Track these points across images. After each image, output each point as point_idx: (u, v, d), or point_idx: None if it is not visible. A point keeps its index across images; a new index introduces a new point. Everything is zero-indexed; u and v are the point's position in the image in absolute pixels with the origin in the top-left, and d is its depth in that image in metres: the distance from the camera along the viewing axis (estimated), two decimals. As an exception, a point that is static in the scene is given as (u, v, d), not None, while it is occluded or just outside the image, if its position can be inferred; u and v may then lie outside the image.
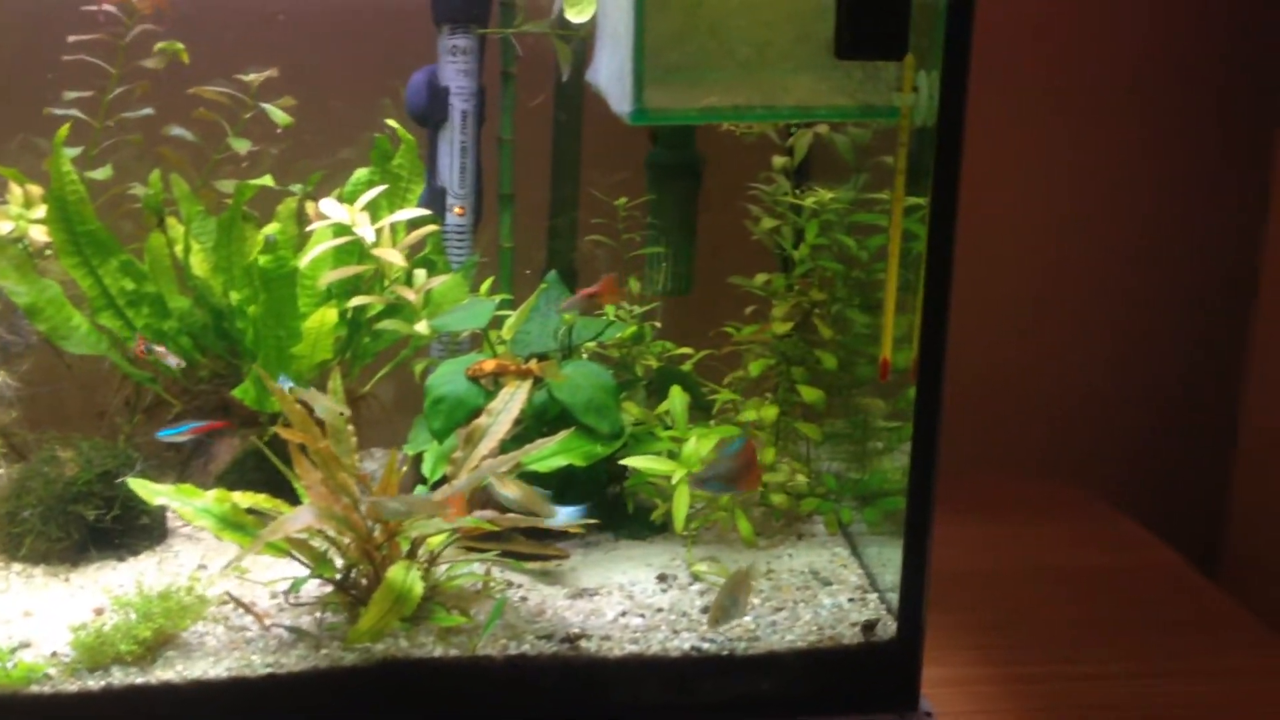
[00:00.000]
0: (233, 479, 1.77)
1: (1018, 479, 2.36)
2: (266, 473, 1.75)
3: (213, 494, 1.49)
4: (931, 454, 1.43)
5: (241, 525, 1.50)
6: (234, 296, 1.79)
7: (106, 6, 1.81)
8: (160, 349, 1.68)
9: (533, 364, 1.64)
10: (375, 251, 1.68)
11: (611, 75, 1.54)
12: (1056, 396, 2.42)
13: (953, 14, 1.35)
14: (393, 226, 1.71)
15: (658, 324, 1.87)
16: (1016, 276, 2.37)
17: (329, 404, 1.48)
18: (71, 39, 1.81)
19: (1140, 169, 2.34)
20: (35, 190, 1.78)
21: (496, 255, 1.95)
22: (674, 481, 1.61)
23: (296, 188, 1.88)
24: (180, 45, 1.84)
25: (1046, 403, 2.43)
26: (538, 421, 1.67)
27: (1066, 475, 2.37)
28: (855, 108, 1.47)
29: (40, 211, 1.76)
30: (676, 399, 1.69)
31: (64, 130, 1.70)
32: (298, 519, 1.43)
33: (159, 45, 1.83)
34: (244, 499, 1.50)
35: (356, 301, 1.73)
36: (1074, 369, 2.41)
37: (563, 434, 1.60)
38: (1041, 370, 2.41)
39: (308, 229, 1.74)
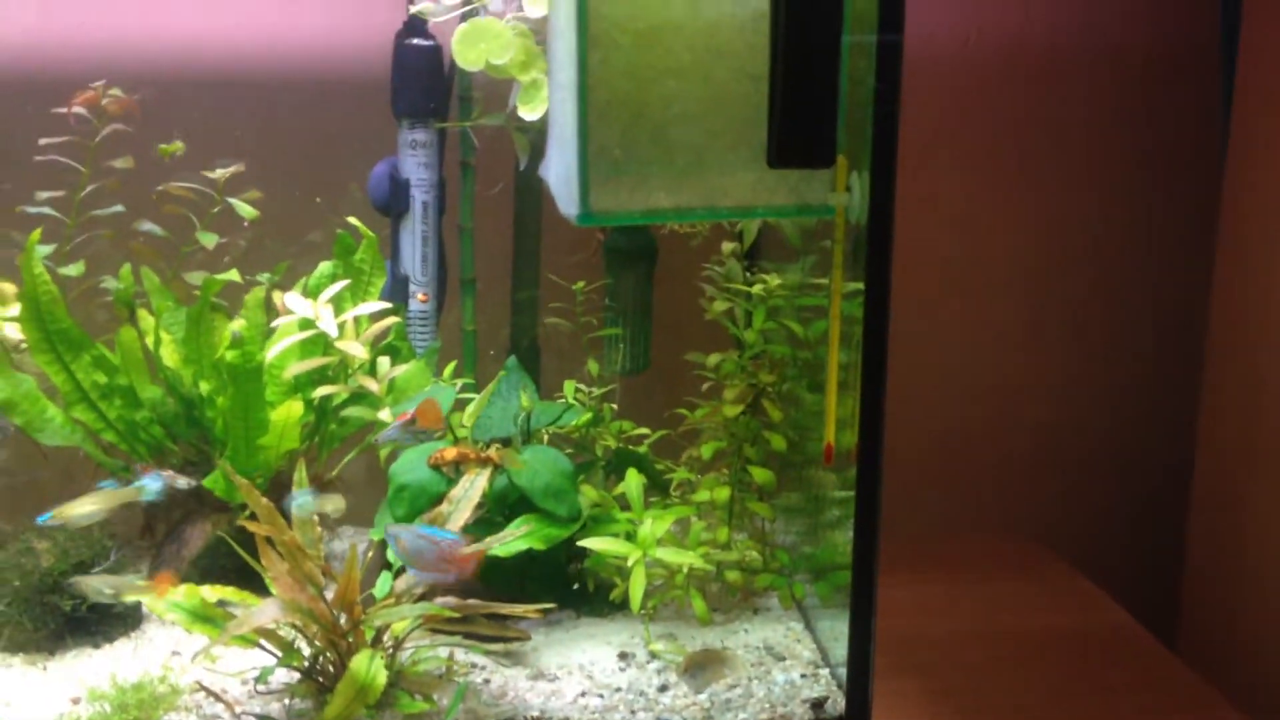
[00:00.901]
0: (205, 564, 1.83)
1: (974, 536, 2.41)
2: (238, 558, 1.80)
3: (183, 589, 1.54)
4: (872, 538, 1.49)
5: (211, 618, 1.55)
6: (204, 386, 1.85)
7: (77, 109, 1.88)
8: (168, 473, 1.74)
9: (492, 451, 1.70)
10: (338, 345, 1.74)
11: (559, 177, 1.61)
12: (1012, 452, 2.48)
13: (879, 123, 1.43)
14: (356, 319, 1.77)
15: (614, 406, 1.92)
16: (969, 332, 2.43)
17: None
18: (43, 141, 1.88)
19: (1091, 222, 2.40)
20: (9, 288, 1.85)
21: (460, 338, 2.02)
22: (630, 563, 1.66)
23: (264, 277, 1.94)
24: (180, 145, 1.91)
25: (1001, 458, 2.49)
26: (499, 506, 1.73)
27: (1024, 532, 2.43)
28: (793, 206, 1.54)
29: (15, 309, 1.82)
30: (632, 482, 1.75)
31: (36, 234, 1.76)
32: (264, 613, 1.48)
33: (162, 148, 1.90)
34: (213, 592, 1.55)
35: (322, 391, 1.79)
36: (1028, 424, 2.47)
37: (521, 520, 1.66)
38: (996, 425, 2.47)
39: (275, 323, 1.80)
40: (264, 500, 1.55)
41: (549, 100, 1.72)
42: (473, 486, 1.66)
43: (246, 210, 1.92)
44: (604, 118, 1.50)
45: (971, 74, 2.31)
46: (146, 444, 1.87)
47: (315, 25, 2.05)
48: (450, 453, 1.70)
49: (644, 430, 1.92)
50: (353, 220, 1.87)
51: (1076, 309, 2.44)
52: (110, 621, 1.75)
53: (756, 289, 1.79)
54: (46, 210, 1.90)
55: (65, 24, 2.01)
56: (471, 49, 1.76)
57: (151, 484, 1.67)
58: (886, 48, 1.41)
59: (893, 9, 1.40)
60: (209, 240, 1.92)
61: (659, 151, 1.51)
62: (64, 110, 1.88)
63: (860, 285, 1.47)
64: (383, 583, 1.68)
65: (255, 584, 1.64)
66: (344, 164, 2.01)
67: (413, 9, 1.87)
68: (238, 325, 1.82)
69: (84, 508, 1.60)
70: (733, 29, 1.49)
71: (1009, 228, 2.39)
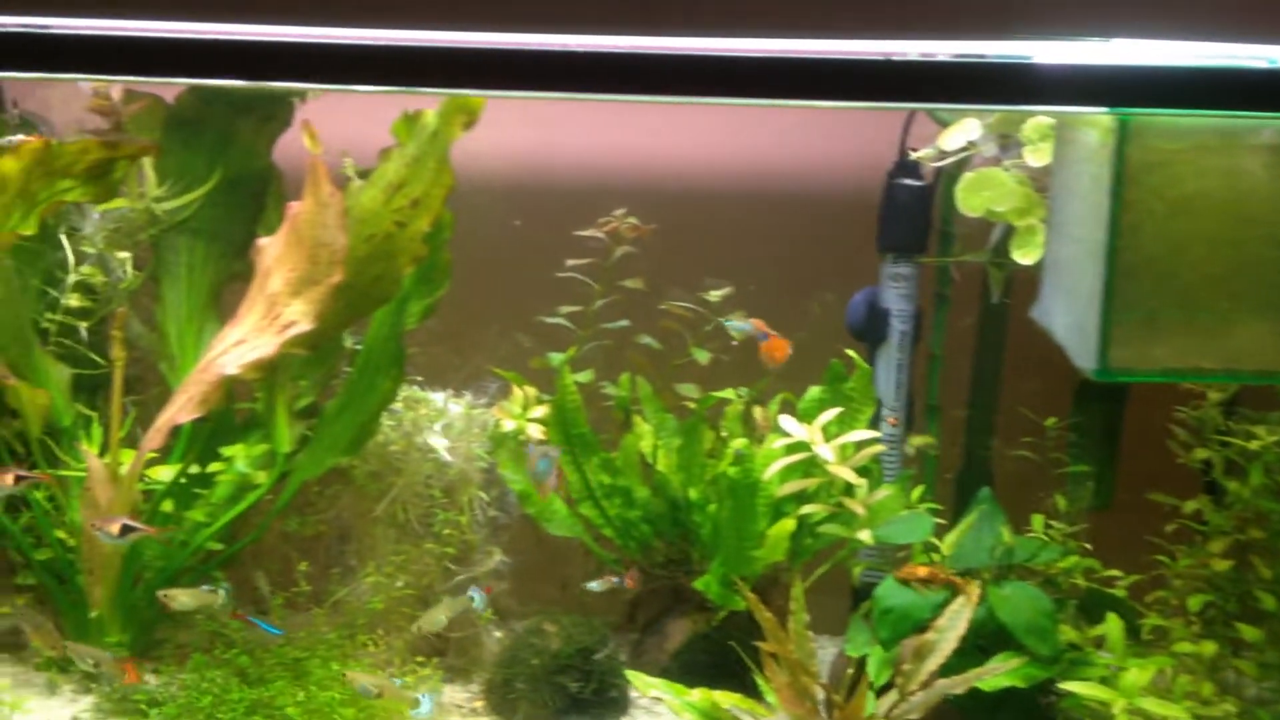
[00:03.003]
0: (685, 658, 1.98)
1: None
2: (713, 655, 1.96)
3: (698, 692, 1.69)
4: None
5: None
6: (692, 493, 2.02)
7: (598, 234, 2.11)
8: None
9: (966, 583, 1.77)
10: (831, 468, 1.87)
11: (1069, 327, 1.67)
12: None
13: None
14: (844, 445, 1.90)
15: (1087, 545, 1.95)
16: None
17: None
18: (570, 263, 2.11)
19: None
20: (532, 392, 2.07)
21: (920, 460, 2.11)
22: (1115, 710, 1.68)
23: (744, 392, 2.10)
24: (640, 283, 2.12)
25: None
26: (975, 635, 1.79)
27: None
28: (1318, 373, 1.54)
29: (535, 411, 2.05)
30: (1113, 626, 1.77)
31: (571, 351, 1.99)
32: (773, 724, 1.61)
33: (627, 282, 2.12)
34: (724, 699, 1.69)
35: (808, 510, 1.92)
36: None
37: (1003, 656, 1.72)
38: None
39: (776, 443, 1.94)
40: (769, 614, 1.68)
41: (1052, 248, 1.79)
42: (958, 618, 1.73)
43: (737, 333, 2.08)
44: (1131, 279, 1.55)
45: None
46: (637, 540, 2.06)
47: (808, 152, 2.22)
48: (921, 570, 1.79)
49: (1115, 572, 1.93)
50: (851, 354, 2.00)
51: None
52: (606, 705, 1.93)
53: (1254, 444, 1.78)
54: (561, 321, 2.13)
55: (568, 141, 2.27)
56: (975, 196, 1.86)
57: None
58: None
59: None
60: (702, 356, 2.10)
61: (1182, 314, 1.55)
62: (585, 233, 2.11)
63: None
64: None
65: (730, 682, 1.79)
66: (814, 282, 2.15)
67: (913, 154, 1.99)
68: (739, 444, 1.96)
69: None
70: (1266, 199, 1.52)
71: None
